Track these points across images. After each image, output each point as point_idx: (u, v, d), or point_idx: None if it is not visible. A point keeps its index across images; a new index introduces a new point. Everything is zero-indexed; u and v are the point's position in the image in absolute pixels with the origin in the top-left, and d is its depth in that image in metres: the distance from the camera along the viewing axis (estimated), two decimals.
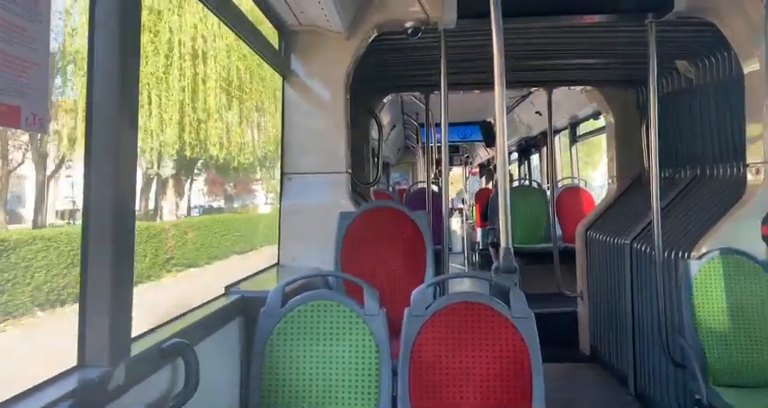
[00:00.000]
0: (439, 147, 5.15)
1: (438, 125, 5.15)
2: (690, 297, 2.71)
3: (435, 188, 6.28)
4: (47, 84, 1.26)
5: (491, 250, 7.62)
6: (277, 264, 3.28)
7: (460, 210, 12.63)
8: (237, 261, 17.02)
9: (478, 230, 9.58)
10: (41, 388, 1.24)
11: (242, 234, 19.41)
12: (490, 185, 13.79)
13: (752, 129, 3.07)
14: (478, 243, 9.54)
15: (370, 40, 3.32)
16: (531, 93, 6.11)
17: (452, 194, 14.23)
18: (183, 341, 1.66)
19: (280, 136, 3.42)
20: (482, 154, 13.12)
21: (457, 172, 15.51)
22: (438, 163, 5.60)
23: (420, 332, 2.09)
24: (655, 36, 3.16)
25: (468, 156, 13.70)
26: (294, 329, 2.14)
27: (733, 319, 2.66)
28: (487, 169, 14.76)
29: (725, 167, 3.56)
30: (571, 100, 5.86)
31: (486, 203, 8.09)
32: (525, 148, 9.35)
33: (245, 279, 2.74)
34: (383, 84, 4.86)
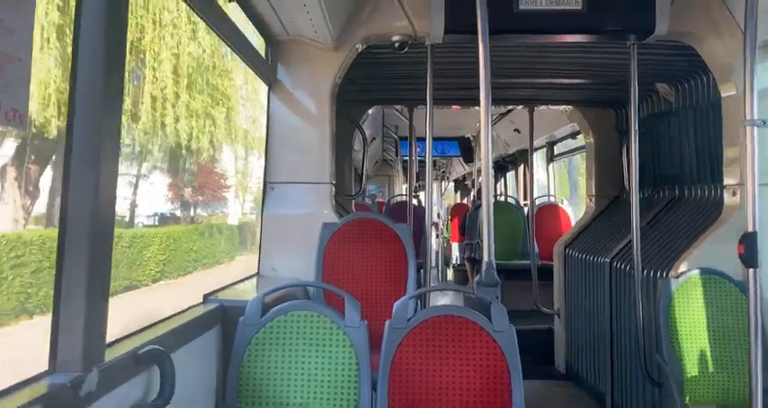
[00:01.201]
0: (419, 161, 5.18)
1: (420, 139, 5.20)
2: (668, 316, 2.73)
3: (416, 201, 6.30)
4: (28, 80, 1.23)
5: (467, 265, 7.65)
6: (257, 274, 3.24)
7: (435, 225, 12.71)
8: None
9: (454, 245, 9.61)
10: (9, 392, 1.19)
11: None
12: (465, 201, 13.91)
13: (729, 152, 3.14)
14: (452, 259, 9.57)
15: (357, 53, 3.34)
16: (510, 110, 6.20)
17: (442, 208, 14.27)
18: (159, 348, 1.62)
19: (264, 143, 3.40)
20: (458, 169, 13.22)
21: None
22: (419, 176, 5.63)
23: (401, 345, 2.07)
24: (636, 58, 3.23)
25: (444, 172, 13.80)
26: (273, 339, 2.10)
27: (710, 338, 2.69)
28: (463, 184, 14.89)
29: (702, 188, 3.63)
30: (549, 119, 5.95)
31: (464, 218, 8.13)
32: (502, 165, 9.46)
33: (224, 288, 2.70)
34: (368, 97, 4.88)
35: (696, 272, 2.79)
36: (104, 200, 1.42)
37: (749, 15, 2.23)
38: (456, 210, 10.60)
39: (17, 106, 1.19)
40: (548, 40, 3.30)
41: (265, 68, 3.26)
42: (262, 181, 3.37)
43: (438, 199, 15.21)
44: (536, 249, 5.55)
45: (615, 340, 3.93)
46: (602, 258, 4.13)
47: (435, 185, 15.31)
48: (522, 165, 8.87)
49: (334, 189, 3.39)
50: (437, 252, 10.38)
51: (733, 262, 2.64)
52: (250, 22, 3.05)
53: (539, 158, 7.64)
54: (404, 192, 11.24)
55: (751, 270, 2.18)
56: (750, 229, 2.20)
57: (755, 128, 2.24)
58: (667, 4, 2.91)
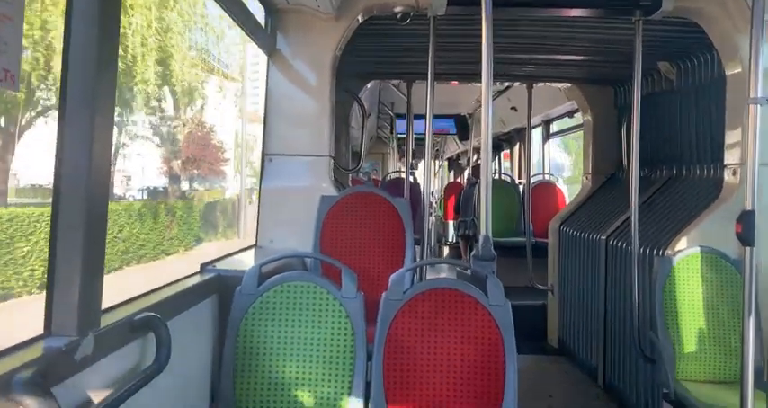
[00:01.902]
0: (415, 138, 5.15)
1: (417, 116, 5.17)
2: (662, 294, 2.74)
3: (412, 178, 6.29)
4: (20, 40, 1.20)
5: (461, 242, 7.68)
6: (255, 245, 3.24)
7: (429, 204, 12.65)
8: None
9: (449, 223, 9.62)
10: (4, 355, 1.20)
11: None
12: (459, 179, 13.89)
13: (731, 131, 3.12)
14: (445, 237, 9.60)
15: (358, 23, 3.28)
16: (508, 88, 6.16)
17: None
18: (154, 314, 1.62)
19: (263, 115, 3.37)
20: (452, 148, 13.17)
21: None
22: (415, 153, 5.61)
23: (396, 317, 2.08)
24: (641, 34, 3.18)
25: (438, 150, 13.76)
26: (269, 309, 2.11)
27: (704, 316, 2.71)
28: (456, 163, 14.84)
29: (702, 167, 3.62)
30: (545, 97, 5.91)
31: (458, 196, 8.13)
32: (497, 144, 9.42)
33: (221, 258, 2.70)
34: (368, 69, 4.83)
35: (693, 251, 2.80)
36: (98, 166, 1.41)
37: None
38: (450, 189, 10.60)
39: (9, 66, 1.17)
40: (552, 14, 3.25)
41: (265, 38, 3.21)
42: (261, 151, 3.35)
43: (434, 177, 15.20)
44: (531, 226, 5.57)
45: (609, 316, 3.96)
46: (598, 235, 4.14)
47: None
48: (518, 144, 8.84)
49: (332, 162, 3.37)
50: (430, 231, 10.41)
51: (731, 242, 2.65)
52: None
53: (535, 136, 7.63)
54: (398, 170, 11.21)
55: (747, 249, 2.18)
56: (749, 208, 2.19)
57: (759, 107, 2.22)
58: None
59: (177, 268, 2.71)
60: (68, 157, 1.36)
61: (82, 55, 1.37)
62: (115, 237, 13.90)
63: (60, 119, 1.36)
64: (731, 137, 3.11)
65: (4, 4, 1.14)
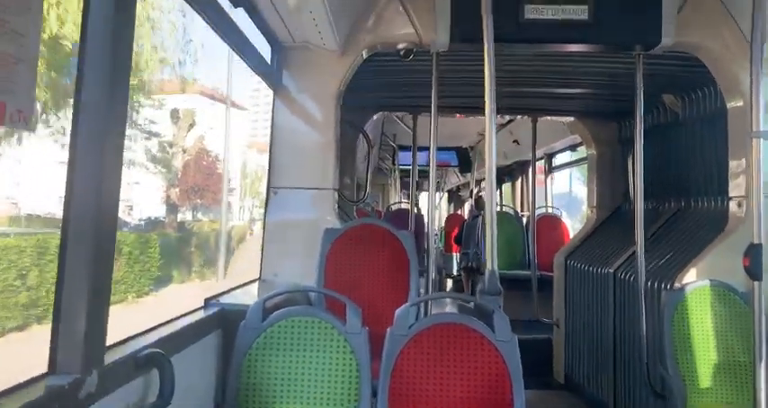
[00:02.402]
0: (419, 170, 5.20)
1: (420, 148, 5.22)
2: (671, 328, 2.71)
3: (415, 209, 6.31)
4: (34, 80, 1.23)
5: (463, 274, 7.63)
6: (259, 279, 3.23)
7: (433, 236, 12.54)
8: None
9: (452, 255, 9.57)
10: (8, 394, 1.19)
11: None
12: (459, 212, 13.87)
13: (734, 163, 3.13)
14: (446, 270, 9.54)
15: (362, 59, 3.34)
16: (510, 121, 6.23)
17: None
18: (158, 351, 1.61)
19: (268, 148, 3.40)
20: (452, 180, 13.21)
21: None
22: (417, 185, 5.64)
23: (402, 352, 2.06)
24: (642, 68, 3.22)
25: (439, 182, 13.80)
26: (274, 344, 2.09)
27: (714, 350, 2.67)
28: (457, 195, 14.85)
29: (708, 200, 3.61)
30: (547, 131, 5.96)
31: (460, 228, 8.12)
32: (499, 176, 9.44)
33: (225, 293, 2.69)
34: (372, 103, 4.89)
35: (701, 284, 2.78)
36: (107, 203, 1.42)
37: (755, 27, 2.23)
38: (451, 221, 10.58)
39: (22, 107, 1.19)
40: (553, 50, 3.31)
41: (270, 74, 3.27)
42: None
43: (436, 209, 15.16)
44: (535, 260, 5.55)
45: (618, 350, 3.90)
46: (605, 269, 4.11)
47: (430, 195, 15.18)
48: (519, 177, 8.88)
49: (337, 194, 3.38)
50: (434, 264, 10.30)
51: (738, 274, 2.63)
52: (256, 28, 3.07)
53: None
54: (398, 200, 11.22)
55: (756, 283, 2.17)
56: (755, 241, 2.18)
57: (761, 140, 2.23)
58: (674, 14, 2.91)
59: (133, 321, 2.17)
60: (77, 196, 1.37)
61: (95, 81, 1.40)
62: (10, 285, 9.90)
63: (71, 157, 1.38)
64: (735, 169, 3.12)
65: (19, 47, 1.18)
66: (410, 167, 5.18)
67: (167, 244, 17.59)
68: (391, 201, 12.62)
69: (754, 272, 2.16)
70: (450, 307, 6.68)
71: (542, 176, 7.73)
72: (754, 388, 2.12)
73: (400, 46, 3.27)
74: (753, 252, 2.16)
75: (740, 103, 3.07)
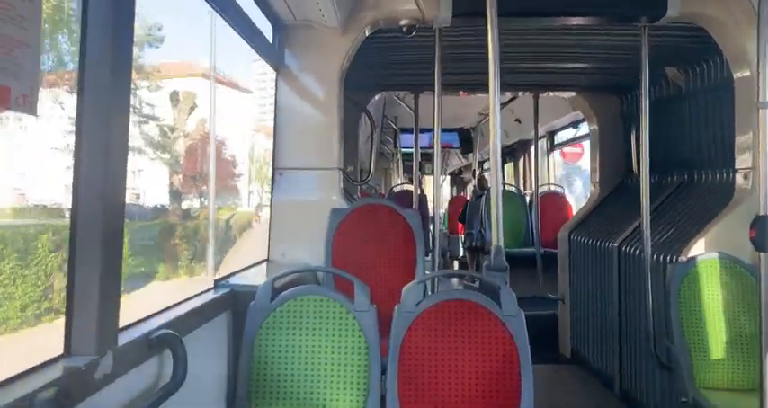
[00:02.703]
0: (421, 152, 5.18)
1: (422, 130, 5.20)
2: (678, 300, 2.72)
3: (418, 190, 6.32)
4: (38, 65, 1.23)
5: (467, 254, 7.66)
6: (267, 260, 3.25)
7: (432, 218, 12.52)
8: None
9: (457, 237, 9.58)
10: (24, 376, 1.21)
11: None
12: (463, 194, 13.84)
13: (741, 135, 3.10)
14: (451, 251, 9.57)
15: (365, 37, 3.31)
16: (511, 100, 6.18)
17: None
18: (171, 332, 1.63)
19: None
20: (454, 162, 13.15)
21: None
22: (419, 167, 5.63)
23: (410, 329, 2.08)
24: (647, 40, 3.18)
25: (441, 164, 13.70)
26: (283, 324, 2.12)
27: (720, 323, 2.68)
28: (459, 177, 14.77)
29: (714, 172, 3.60)
30: (548, 109, 5.92)
31: (464, 208, 8.14)
32: (501, 155, 9.38)
33: (234, 274, 2.71)
34: (375, 82, 4.86)
35: (707, 256, 2.78)
36: (114, 187, 1.43)
37: None
38: (454, 203, 10.58)
39: (27, 91, 1.19)
40: (557, 23, 3.26)
41: (272, 53, 3.24)
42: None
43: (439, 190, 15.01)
44: (539, 236, 5.56)
45: (624, 324, 3.93)
46: (609, 243, 4.11)
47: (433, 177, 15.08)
48: (521, 156, 8.84)
49: (342, 174, 3.38)
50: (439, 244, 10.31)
51: (745, 247, 2.62)
52: (257, 8, 3.04)
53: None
54: (401, 183, 11.20)
55: (763, 255, 2.16)
56: (762, 213, 2.17)
57: None
58: None
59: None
60: (85, 181, 1.38)
61: (96, 73, 1.40)
62: None
63: (77, 143, 1.38)
64: (741, 141, 3.09)
65: (23, 31, 1.17)
66: (412, 150, 5.17)
67: (149, 236, 15.99)
68: (395, 183, 12.60)
69: (760, 243, 2.15)
70: (456, 285, 6.73)
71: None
72: (761, 360, 2.13)
73: (403, 22, 3.24)
74: (759, 223, 2.15)
75: (747, 73, 3.03)
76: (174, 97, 23.46)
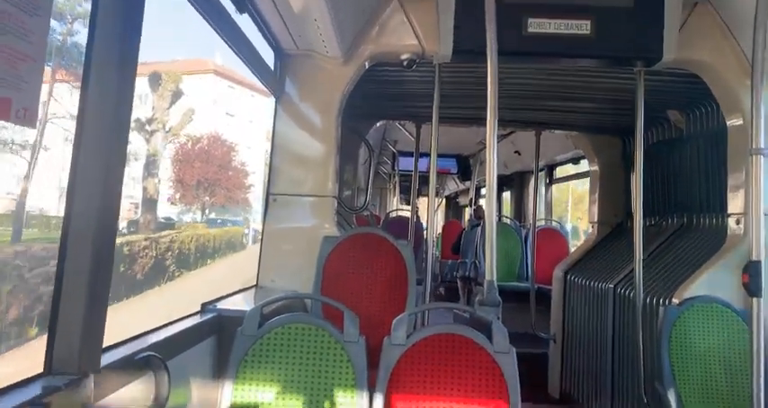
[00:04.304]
0: (419, 176, 5.20)
1: (422, 154, 5.22)
2: (668, 343, 2.70)
3: (415, 216, 6.31)
4: (40, 79, 1.23)
5: (459, 283, 7.60)
6: (256, 285, 3.22)
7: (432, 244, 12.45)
8: None
9: (447, 263, 9.55)
10: (3, 394, 1.17)
11: None
12: (459, 221, 13.84)
13: (733, 180, 3.14)
14: (441, 277, 9.53)
15: (365, 68, 3.35)
16: (513, 132, 6.23)
17: None
18: (155, 354, 1.60)
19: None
20: (451, 186, 13.22)
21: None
22: (416, 191, 5.63)
23: (399, 362, 2.04)
24: (643, 84, 3.24)
25: (437, 187, 13.76)
26: (270, 351, 2.08)
27: (711, 367, 2.66)
28: (454, 201, 14.82)
29: (709, 217, 3.62)
30: (549, 143, 5.97)
31: (458, 236, 8.11)
32: (499, 186, 9.44)
33: (222, 298, 2.67)
34: (375, 112, 4.90)
35: (698, 300, 2.77)
36: (107, 209, 1.41)
37: (756, 45, 2.24)
38: (448, 228, 10.55)
39: (28, 105, 1.19)
40: (555, 64, 3.32)
41: (273, 80, 3.27)
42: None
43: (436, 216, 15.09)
44: (534, 273, 5.54)
45: (617, 366, 3.89)
46: (605, 284, 4.10)
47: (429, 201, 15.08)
48: (519, 188, 8.88)
49: (336, 202, 3.38)
50: (432, 272, 10.24)
51: (736, 291, 2.63)
52: (260, 34, 3.08)
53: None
54: (396, 206, 11.21)
55: (755, 300, 2.16)
56: (754, 258, 2.18)
57: (761, 158, 2.24)
58: (675, 31, 2.93)
59: None
60: (78, 199, 1.37)
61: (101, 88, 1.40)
62: None
63: (73, 162, 1.37)
64: (734, 186, 3.13)
65: (26, 44, 1.18)
66: (410, 172, 5.16)
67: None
68: (390, 206, 12.60)
69: (752, 289, 2.16)
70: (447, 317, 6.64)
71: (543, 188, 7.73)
72: (752, 404, 2.11)
73: (403, 56, 3.28)
74: (752, 269, 2.17)
75: (740, 121, 3.08)
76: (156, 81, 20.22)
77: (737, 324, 2.72)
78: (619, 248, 4.51)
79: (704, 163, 3.72)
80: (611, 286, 3.99)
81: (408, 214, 6.32)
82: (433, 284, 9.37)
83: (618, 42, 3.00)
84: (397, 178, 10.68)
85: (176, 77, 21.37)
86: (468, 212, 9.70)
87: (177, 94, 21.45)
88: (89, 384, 1.33)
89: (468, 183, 9.51)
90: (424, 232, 7.78)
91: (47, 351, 1.32)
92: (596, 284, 4.26)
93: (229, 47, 2.65)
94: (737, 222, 3.07)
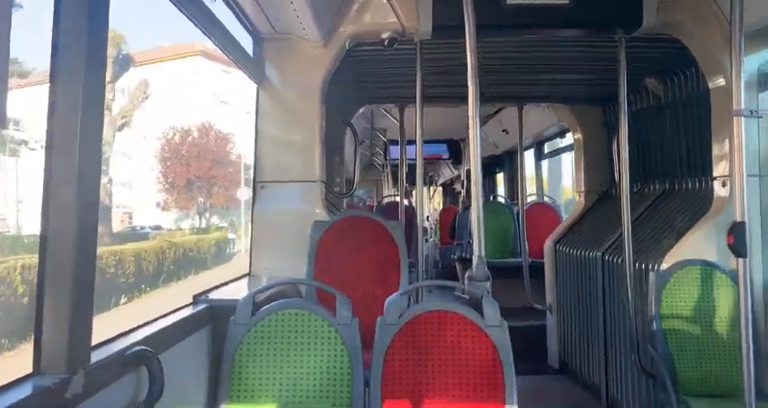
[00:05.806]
0: (409, 163, 5.19)
1: (410, 141, 5.21)
2: (659, 308, 2.73)
3: (407, 202, 6.30)
4: (6, 81, 1.20)
5: (458, 266, 7.66)
6: (248, 274, 3.22)
7: (425, 229, 12.50)
8: None
9: (449, 247, 9.60)
10: None
11: None
12: (455, 205, 13.87)
13: (718, 144, 3.14)
14: (442, 262, 9.57)
15: (346, 50, 3.32)
16: (498, 111, 6.21)
17: None
18: (146, 349, 1.60)
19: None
20: (446, 173, 13.21)
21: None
22: (408, 178, 5.63)
23: (393, 342, 2.06)
24: (624, 52, 3.23)
25: (432, 175, 13.76)
26: (264, 338, 2.09)
27: (702, 329, 2.69)
28: (450, 188, 14.84)
29: (693, 181, 3.64)
30: (537, 119, 5.97)
31: (453, 220, 8.12)
32: (489, 166, 9.45)
33: (214, 288, 2.68)
34: (359, 95, 4.87)
35: (686, 264, 2.80)
36: (88, 201, 1.40)
37: (734, 5, 2.23)
38: (445, 214, 10.59)
39: None
40: (535, 35, 3.30)
41: (253, 66, 3.23)
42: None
43: (428, 201, 15.14)
44: (527, 247, 5.57)
45: (609, 332, 3.94)
46: (594, 252, 4.14)
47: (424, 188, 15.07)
48: (510, 166, 8.88)
49: (324, 187, 3.37)
50: (426, 256, 10.36)
51: (724, 253, 2.65)
52: (236, 20, 3.03)
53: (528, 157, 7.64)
54: (390, 195, 11.22)
55: (741, 260, 2.18)
56: (739, 219, 2.20)
57: (743, 119, 2.24)
58: None
59: None
60: (57, 193, 1.35)
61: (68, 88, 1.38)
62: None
63: (47, 161, 1.36)
64: (718, 149, 3.14)
65: None
66: (404, 159, 5.16)
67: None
68: (385, 194, 12.59)
69: (738, 249, 2.18)
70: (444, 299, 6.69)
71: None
72: (742, 366, 2.14)
73: (384, 35, 3.25)
74: (737, 229, 2.18)
75: (722, 83, 3.08)
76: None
77: (726, 286, 2.75)
78: (606, 216, 4.54)
79: (684, 128, 3.74)
80: (600, 253, 4.02)
81: (406, 200, 6.31)
82: (435, 270, 9.45)
83: (597, 10, 2.98)
84: (389, 168, 10.67)
85: (119, 39, 16.48)
86: (462, 195, 9.70)
87: (123, 64, 16.74)
88: (80, 381, 1.33)
89: (461, 168, 9.50)
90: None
91: (35, 351, 1.32)
92: (585, 253, 4.30)
93: (204, 33, 2.61)
94: (723, 184, 3.08)
